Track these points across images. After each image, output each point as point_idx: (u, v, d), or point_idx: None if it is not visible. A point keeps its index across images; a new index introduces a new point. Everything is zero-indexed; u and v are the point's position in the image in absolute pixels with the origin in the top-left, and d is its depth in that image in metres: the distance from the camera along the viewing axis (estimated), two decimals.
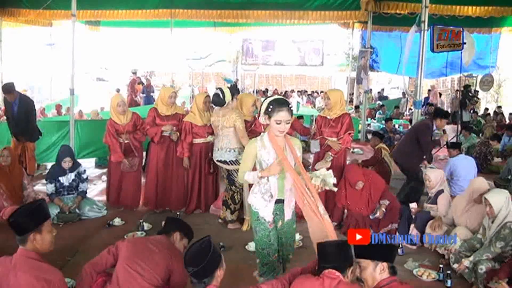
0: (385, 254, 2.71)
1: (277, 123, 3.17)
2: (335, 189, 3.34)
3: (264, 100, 3.32)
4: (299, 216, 5.39)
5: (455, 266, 4.12)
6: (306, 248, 4.75)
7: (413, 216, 5.22)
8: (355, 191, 5.20)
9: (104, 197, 6.41)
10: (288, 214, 3.46)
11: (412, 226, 5.09)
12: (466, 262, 3.98)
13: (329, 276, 2.53)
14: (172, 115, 5.90)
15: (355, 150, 10.52)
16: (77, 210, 5.67)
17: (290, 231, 3.56)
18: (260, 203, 3.36)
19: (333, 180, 3.24)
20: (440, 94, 18.67)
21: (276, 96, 3.33)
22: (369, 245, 2.75)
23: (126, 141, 5.92)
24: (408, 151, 6.43)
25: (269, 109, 3.17)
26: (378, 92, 21.55)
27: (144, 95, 15.19)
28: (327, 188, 3.25)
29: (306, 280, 2.60)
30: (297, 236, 5.03)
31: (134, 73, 15.63)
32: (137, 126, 6.02)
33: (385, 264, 2.66)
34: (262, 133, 3.41)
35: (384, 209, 5.12)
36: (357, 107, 14.73)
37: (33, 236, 2.66)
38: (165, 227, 3.37)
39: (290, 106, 3.22)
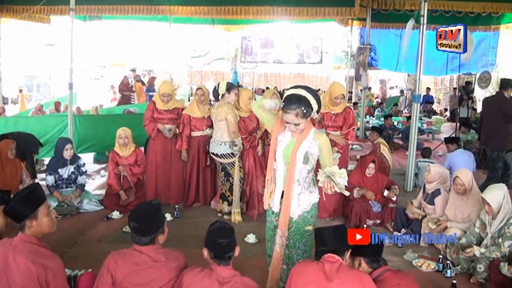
0: (357, 249, 2.70)
1: (286, 123, 3.03)
2: (347, 193, 2.95)
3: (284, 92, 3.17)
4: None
5: (467, 250, 4.08)
6: None
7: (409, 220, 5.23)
8: (366, 179, 5.49)
9: (101, 191, 6.39)
10: (295, 211, 3.14)
11: (403, 230, 5.10)
12: (476, 252, 3.98)
13: (328, 260, 2.53)
14: (170, 110, 5.88)
15: (354, 146, 10.51)
16: (75, 203, 5.65)
17: (299, 232, 3.18)
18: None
19: (343, 181, 2.85)
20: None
21: (292, 92, 3.02)
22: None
23: (124, 174, 5.86)
24: (502, 131, 6.69)
25: (282, 105, 3.02)
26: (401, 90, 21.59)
27: (151, 93, 15.17)
28: (337, 190, 2.84)
29: (307, 265, 2.59)
30: None
31: (133, 70, 15.58)
32: (137, 161, 5.95)
33: (360, 258, 2.69)
34: None
35: (396, 192, 5.42)
36: (355, 104, 14.73)
37: (29, 222, 2.62)
38: (141, 238, 2.73)
39: (302, 107, 2.93)
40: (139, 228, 2.71)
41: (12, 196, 2.93)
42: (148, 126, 5.84)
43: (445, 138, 8.95)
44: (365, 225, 5.13)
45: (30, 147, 6.85)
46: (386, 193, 5.42)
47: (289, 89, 3.09)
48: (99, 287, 2.69)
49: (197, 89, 5.90)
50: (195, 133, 5.76)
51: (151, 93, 15.17)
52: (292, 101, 2.94)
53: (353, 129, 5.59)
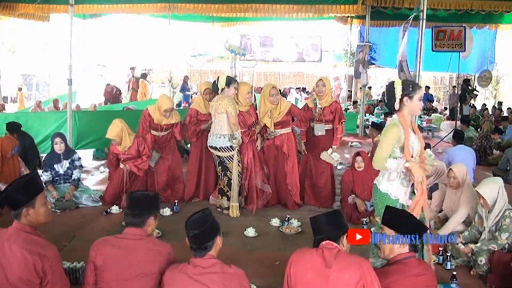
0: (413, 232, 2.67)
1: (419, 100, 3.26)
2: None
3: (393, 85, 3.28)
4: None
5: (462, 247, 4.08)
6: (304, 234, 4.78)
7: None
8: (360, 176, 5.46)
9: (100, 187, 6.38)
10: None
11: None
12: (472, 246, 3.98)
13: (327, 247, 2.53)
14: (168, 124, 5.79)
15: (354, 144, 10.53)
16: (73, 199, 5.62)
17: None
18: (399, 190, 3.31)
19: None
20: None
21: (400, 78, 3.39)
22: (400, 218, 2.75)
23: (129, 170, 5.66)
24: None
25: (410, 89, 3.23)
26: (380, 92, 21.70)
27: (187, 92, 15.26)
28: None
29: (306, 252, 2.59)
30: (296, 222, 5.05)
31: (132, 69, 15.56)
32: (140, 152, 5.66)
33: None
34: (393, 117, 3.35)
35: None
36: (355, 102, 14.73)
37: (26, 211, 2.60)
38: (134, 216, 2.79)
39: None
40: (133, 206, 2.81)
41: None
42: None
43: (454, 129, 8.99)
44: (364, 223, 5.08)
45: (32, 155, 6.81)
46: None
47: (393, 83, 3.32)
48: (85, 277, 2.76)
49: (205, 89, 5.83)
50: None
51: (187, 93, 15.22)
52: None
53: (342, 122, 5.66)
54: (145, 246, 2.73)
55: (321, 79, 5.72)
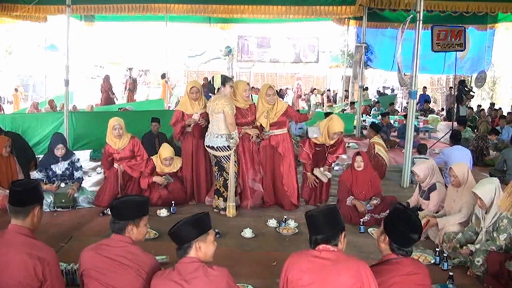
0: (389, 230, 2.66)
1: None
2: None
3: None
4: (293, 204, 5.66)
5: (462, 249, 4.07)
6: (301, 234, 4.78)
7: None
8: (359, 177, 5.43)
9: (97, 188, 6.34)
10: None
11: None
12: (472, 247, 3.97)
13: (323, 250, 2.48)
14: (170, 173, 5.84)
15: (351, 144, 10.53)
16: (73, 196, 5.60)
17: None
18: None
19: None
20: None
21: None
22: (389, 215, 2.77)
23: (123, 170, 5.69)
24: None
25: None
26: (378, 91, 21.82)
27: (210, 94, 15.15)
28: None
29: (302, 254, 2.55)
30: (293, 223, 5.05)
31: (130, 69, 15.56)
32: (134, 152, 5.72)
33: (386, 236, 2.64)
34: None
35: (374, 203, 5.34)
36: (352, 103, 14.78)
37: (38, 209, 2.63)
38: (113, 224, 2.74)
39: None
40: (117, 211, 2.74)
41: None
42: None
43: (451, 130, 9.04)
44: (361, 223, 5.08)
45: (26, 156, 6.78)
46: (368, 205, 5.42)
47: None
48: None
49: (191, 87, 5.74)
50: (189, 129, 5.71)
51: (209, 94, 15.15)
52: None
53: (336, 157, 5.77)
54: (129, 264, 2.62)
55: (341, 132, 5.63)
